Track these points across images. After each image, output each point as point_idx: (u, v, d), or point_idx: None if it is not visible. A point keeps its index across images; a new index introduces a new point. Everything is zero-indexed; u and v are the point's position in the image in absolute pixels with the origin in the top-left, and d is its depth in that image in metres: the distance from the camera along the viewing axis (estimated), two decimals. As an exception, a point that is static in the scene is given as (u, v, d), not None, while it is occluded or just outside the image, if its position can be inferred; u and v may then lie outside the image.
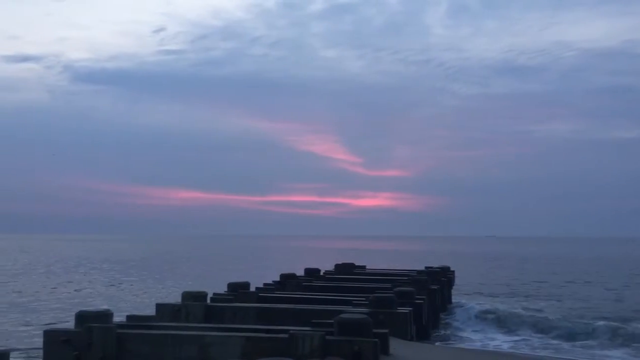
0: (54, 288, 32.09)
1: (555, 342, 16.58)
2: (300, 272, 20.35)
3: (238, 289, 14.67)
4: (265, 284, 17.77)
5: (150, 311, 13.25)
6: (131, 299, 26.36)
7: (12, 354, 7.95)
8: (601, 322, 18.18)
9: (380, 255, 75.37)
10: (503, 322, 19.08)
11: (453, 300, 23.17)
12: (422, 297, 14.55)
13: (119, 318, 11.26)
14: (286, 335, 8.45)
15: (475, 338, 16.87)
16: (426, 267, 24.06)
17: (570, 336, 17.03)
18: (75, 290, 30.68)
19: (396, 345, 9.71)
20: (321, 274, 21.54)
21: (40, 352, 9.40)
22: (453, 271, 25.34)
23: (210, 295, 13.47)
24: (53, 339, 9.01)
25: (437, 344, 14.83)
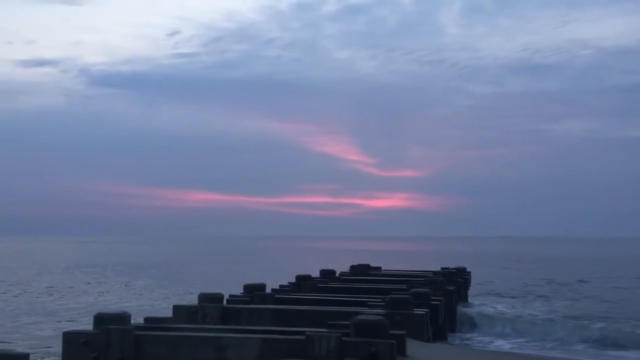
0: (71, 287, 32.40)
1: (568, 342, 16.45)
2: (315, 274, 20.33)
3: (254, 291, 14.68)
4: (280, 286, 17.78)
5: (167, 313, 13.33)
6: (147, 301, 26.53)
7: (31, 356, 8.01)
8: (615, 323, 18.06)
9: (395, 256, 75.17)
10: (518, 323, 19.01)
11: (469, 301, 23.06)
12: (438, 298, 14.48)
13: (135, 320, 11.32)
14: (303, 337, 8.44)
15: (490, 339, 16.78)
16: (442, 268, 23.96)
17: (585, 336, 16.91)
18: (92, 292, 30.94)
19: (413, 347, 9.68)
20: (336, 275, 21.51)
21: (59, 354, 9.48)
22: (469, 272, 25.20)
23: (226, 296, 13.51)
24: (72, 340, 9.07)
25: (453, 345, 14.77)
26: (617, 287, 33.37)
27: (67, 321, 19.91)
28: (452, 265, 26.65)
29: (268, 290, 15.56)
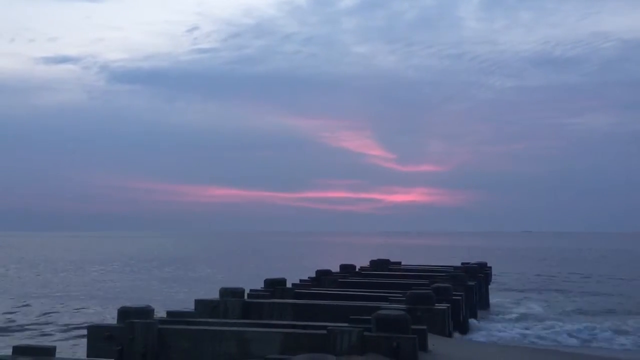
0: (94, 282, 32.78)
1: (589, 337, 16.25)
2: (335, 269, 20.34)
3: (275, 285, 14.76)
4: (301, 280, 17.84)
5: (189, 307, 13.44)
6: (169, 295, 26.75)
7: (57, 349, 8.13)
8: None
9: (415, 251, 74.91)
10: (539, 318, 18.92)
11: (490, 297, 22.92)
12: (459, 294, 14.42)
13: (158, 314, 11.43)
14: (324, 331, 8.48)
15: (511, 334, 16.61)
16: (463, 263, 23.84)
17: (608, 332, 16.70)
18: (116, 286, 31.28)
19: (435, 342, 9.66)
20: (357, 270, 21.51)
21: (85, 347, 9.61)
22: (490, 267, 25.02)
23: (247, 291, 13.58)
24: (96, 334, 9.21)
25: (475, 339, 14.69)
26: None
27: (92, 314, 20.16)
28: (472, 260, 26.50)
29: (289, 285, 15.61)
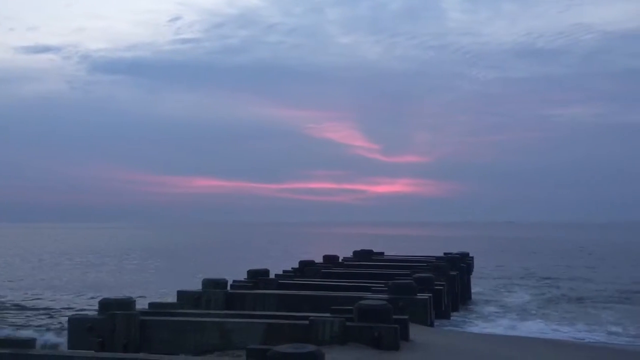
0: (76, 274, 32.56)
1: (570, 326, 16.48)
2: (318, 259, 20.38)
3: (258, 276, 14.75)
4: (284, 271, 17.85)
5: (171, 298, 13.40)
6: (151, 286, 26.66)
7: (37, 340, 8.08)
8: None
9: (398, 242, 75.26)
10: (521, 308, 19.13)
11: (472, 287, 23.11)
12: (441, 284, 14.52)
13: (140, 305, 11.38)
14: (307, 322, 8.50)
15: (492, 323, 16.79)
16: (445, 254, 23.97)
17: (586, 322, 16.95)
18: (97, 277, 31.10)
19: (416, 332, 9.72)
20: (340, 260, 21.56)
21: (66, 339, 9.55)
22: (472, 257, 25.20)
23: (230, 282, 13.56)
24: (77, 325, 9.15)
25: (457, 329, 14.82)
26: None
27: (74, 306, 20.04)
28: (455, 250, 26.66)
29: (272, 276, 15.61)
